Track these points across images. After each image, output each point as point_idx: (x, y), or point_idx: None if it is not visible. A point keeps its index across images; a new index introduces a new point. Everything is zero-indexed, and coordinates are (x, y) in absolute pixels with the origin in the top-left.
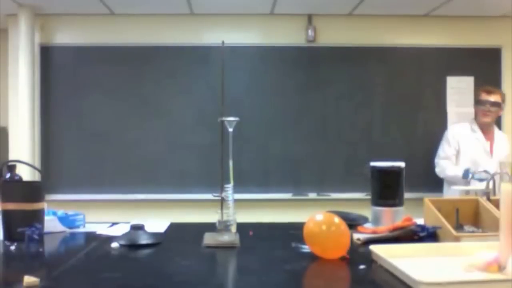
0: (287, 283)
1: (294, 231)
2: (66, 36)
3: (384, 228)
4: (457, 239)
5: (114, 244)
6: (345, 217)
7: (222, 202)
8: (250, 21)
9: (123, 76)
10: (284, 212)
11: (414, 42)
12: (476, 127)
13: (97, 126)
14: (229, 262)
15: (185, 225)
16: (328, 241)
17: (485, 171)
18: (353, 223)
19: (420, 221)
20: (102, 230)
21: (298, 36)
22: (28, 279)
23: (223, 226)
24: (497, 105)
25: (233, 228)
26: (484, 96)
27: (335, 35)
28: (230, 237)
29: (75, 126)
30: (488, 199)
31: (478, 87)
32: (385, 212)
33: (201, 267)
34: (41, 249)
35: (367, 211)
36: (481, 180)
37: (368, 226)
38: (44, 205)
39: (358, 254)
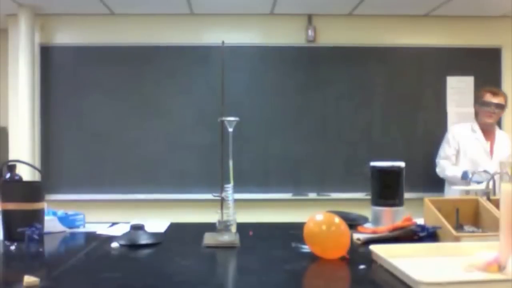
0: (287, 283)
1: (294, 231)
2: (66, 36)
3: (384, 228)
4: (457, 239)
5: (114, 244)
6: (345, 217)
7: (222, 202)
8: (250, 21)
9: (123, 76)
10: (284, 212)
11: (414, 42)
12: (476, 127)
13: (97, 126)
14: (229, 262)
15: (185, 225)
16: (328, 241)
17: (485, 171)
18: (353, 223)
19: (420, 221)
20: (102, 230)
21: (298, 36)
22: (28, 279)
23: (223, 226)
24: (501, 107)
25: (233, 228)
26: (489, 98)
27: (335, 35)
28: (230, 237)
29: (75, 126)
30: (488, 199)
31: (482, 88)
32: (385, 212)
33: (201, 267)
34: (41, 249)
35: (367, 211)
36: (479, 182)
37: (368, 226)
38: (44, 205)
39: (358, 254)
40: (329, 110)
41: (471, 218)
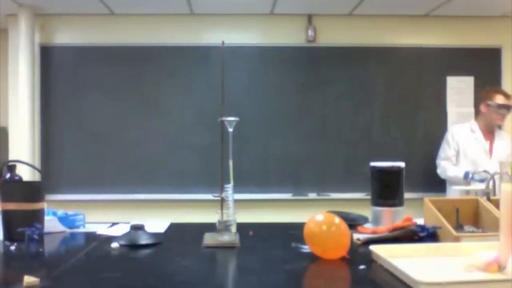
0: (287, 283)
1: (294, 231)
2: (66, 36)
3: (384, 228)
4: (457, 239)
5: (114, 244)
6: (345, 217)
7: (222, 202)
8: (250, 21)
9: (123, 76)
10: (284, 212)
11: (414, 42)
12: (476, 127)
13: (97, 126)
14: (229, 262)
15: (185, 225)
16: (328, 241)
17: (485, 171)
18: (353, 223)
19: (420, 221)
20: (102, 230)
21: (298, 36)
22: (28, 279)
23: (223, 226)
24: (510, 109)
25: (233, 228)
26: (503, 100)
27: (335, 35)
28: (230, 237)
29: (75, 126)
30: (488, 199)
31: (488, 88)
32: (385, 212)
33: (201, 267)
34: (41, 249)
35: (367, 211)
36: (481, 181)
37: (368, 226)
38: (44, 205)
39: (358, 254)
40: (329, 110)
41: (471, 218)
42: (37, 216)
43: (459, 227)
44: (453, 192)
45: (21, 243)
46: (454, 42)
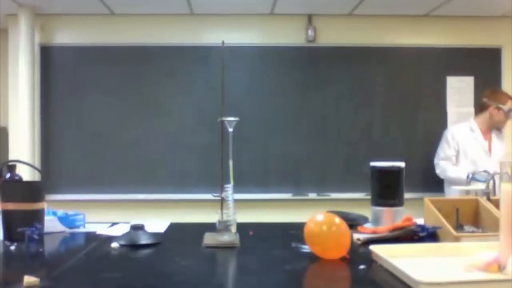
0: (287, 283)
1: (294, 231)
2: (66, 36)
3: (384, 228)
4: (457, 239)
5: (114, 244)
6: (345, 217)
7: (222, 202)
8: (250, 21)
9: (123, 76)
10: (284, 212)
11: (414, 42)
12: (475, 127)
13: (97, 126)
14: (229, 262)
15: (185, 225)
16: (328, 241)
17: (485, 171)
18: (353, 223)
19: (420, 221)
20: (102, 230)
21: (298, 36)
22: (28, 279)
23: (223, 226)
24: None
25: (233, 228)
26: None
27: (335, 35)
28: (230, 237)
29: (75, 126)
30: (488, 199)
31: (501, 92)
32: (385, 212)
33: (201, 267)
34: (41, 249)
35: (367, 211)
36: (485, 181)
37: (368, 226)
38: (44, 205)
39: (358, 254)
40: (329, 110)
41: (471, 218)
42: (37, 216)
43: (459, 227)
44: (453, 192)
45: (21, 243)
46: (454, 42)
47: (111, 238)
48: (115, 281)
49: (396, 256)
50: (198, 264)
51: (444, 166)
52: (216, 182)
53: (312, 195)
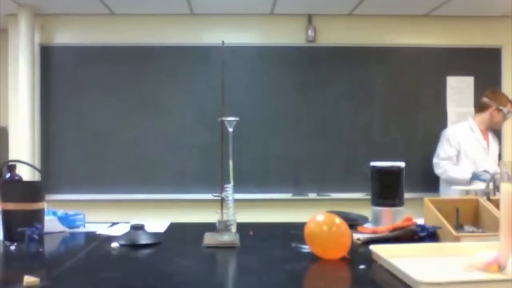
0: (287, 283)
1: (294, 231)
2: (66, 36)
3: (384, 228)
4: (457, 239)
5: (114, 244)
6: (345, 217)
7: (222, 202)
8: (250, 21)
9: (123, 76)
10: (284, 212)
11: (414, 42)
12: (475, 127)
13: (97, 126)
14: (229, 262)
15: (185, 225)
16: (329, 241)
17: (485, 171)
18: (353, 223)
19: (420, 221)
20: (102, 230)
21: (298, 36)
22: (28, 279)
23: (223, 226)
24: None
25: (233, 228)
26: (511, 107)
27: (335, 35)
28: (230, 237)
29: (75, 126)
30: (488, 199)
31: (502, 94)
32: (385, 212)
33: (201, 267)
34: (41, 249)
35: (367, 211)
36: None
37: (368, 226)
38: (44, 205)
39: (358, 254)
40: (329, 110)
41: (471, 218)
42: (37, 216)
43: (459, 227)
44: (452, 192)
45: (21, 243)
46: (454, 42)
47: (111, 238)
48: (115, 281)
49: (396, 256)
50: (198, 264)
51: (445, 166)
52: (216, 182)
53: (312, 195)
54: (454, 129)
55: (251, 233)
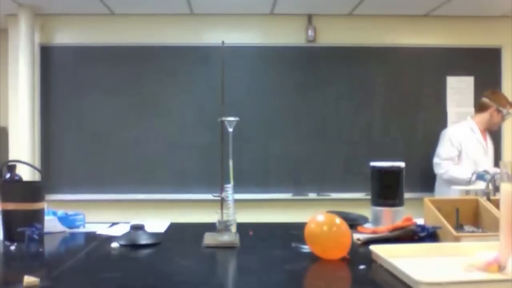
0: (287, 283)
1: (294, 231)
2: (66, 36)
3: (384, 228)
4: (457, 239)
5: (114, 244)
6: (345, 217)
7: (222, 202)
8: (250, 21)
9: (123, 76)
10: (284, 212)
11: (414, 42)
12: (475, 128)
13: (97, 126)
14: (229, 262)
15: (185, 225)
16: (329, 241)
17: (485, 171)
18: (353, 223)
19: (420, 221)
20: (102, 230)
21: (298, 36)
22: (28, 279)
23: (223, 226)
24: None
25: (233, 228)
26: (510, 109)
27: (335, 35)
28: (230, 237)
29: (75, 126)
30: (488, 199)
31: (502, 95)
32: (385, 212)
33: (201, 267)
34: (41, 249)
35: (367, 211)
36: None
37: (368, 226)
38: (44, 205)
39: (358, 254)
40: (329, 110)
41: (471, 218)
42: (37, 216)
43: (459, 227)
44: (452, 192)
45: (21, 243)
46: (454, 42)
47: (111, 238)
48: (115, 281)
49: (396, 256)
50: (198, 264)
51: (447, 166)
52: (216, 182)
53: (312, 195)
54: (455, 129)
55: (251, 233)
